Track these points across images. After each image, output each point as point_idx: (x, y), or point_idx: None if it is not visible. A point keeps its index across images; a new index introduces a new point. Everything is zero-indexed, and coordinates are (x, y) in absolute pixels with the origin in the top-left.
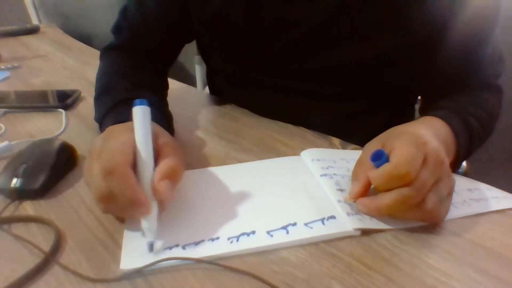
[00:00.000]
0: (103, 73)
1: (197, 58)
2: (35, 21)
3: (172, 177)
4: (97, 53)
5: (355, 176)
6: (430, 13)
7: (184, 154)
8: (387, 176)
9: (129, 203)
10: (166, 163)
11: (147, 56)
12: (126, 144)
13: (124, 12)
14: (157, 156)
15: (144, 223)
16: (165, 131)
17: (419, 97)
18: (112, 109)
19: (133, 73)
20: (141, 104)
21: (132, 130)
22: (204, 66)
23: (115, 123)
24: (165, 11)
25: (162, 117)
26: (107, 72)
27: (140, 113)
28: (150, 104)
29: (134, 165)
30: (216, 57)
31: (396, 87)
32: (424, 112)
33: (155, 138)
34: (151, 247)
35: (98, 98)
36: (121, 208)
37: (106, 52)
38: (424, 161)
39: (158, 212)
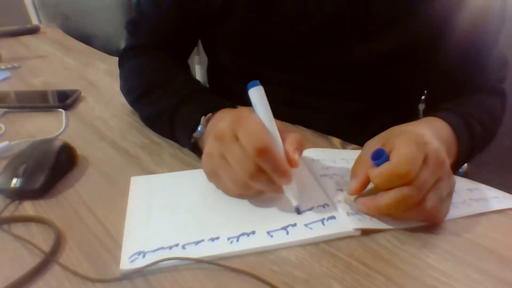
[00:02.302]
0: (140, 72)
1: (197, 58)
2: (35, 21)
3: (300, 148)
4: (97, 53)
5: (354, 173)
6: (437, 13)
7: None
8: (387, 175)
9: (280, 175)
10: (293, 137)
11: (167, 52)
12: (261, 124)
13: (137, 7)
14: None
15: (287, 191)
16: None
17: (422, 98)
18: (188, 98)
19: (176, 68)
20: (254, 85)
21: (250, 111)
22: (204, 66)
23: (208, 109)
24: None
25: (222, 101)
26: (147, 69)
27: (259, 93)
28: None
29: None
30: (221, 51)
31: (398, 88)
32: (427, 114)
33: None
34: (298, 210)
35: (149, 92)
36: (267, 183)
37: (129, 52)
38: (425, 160)
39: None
